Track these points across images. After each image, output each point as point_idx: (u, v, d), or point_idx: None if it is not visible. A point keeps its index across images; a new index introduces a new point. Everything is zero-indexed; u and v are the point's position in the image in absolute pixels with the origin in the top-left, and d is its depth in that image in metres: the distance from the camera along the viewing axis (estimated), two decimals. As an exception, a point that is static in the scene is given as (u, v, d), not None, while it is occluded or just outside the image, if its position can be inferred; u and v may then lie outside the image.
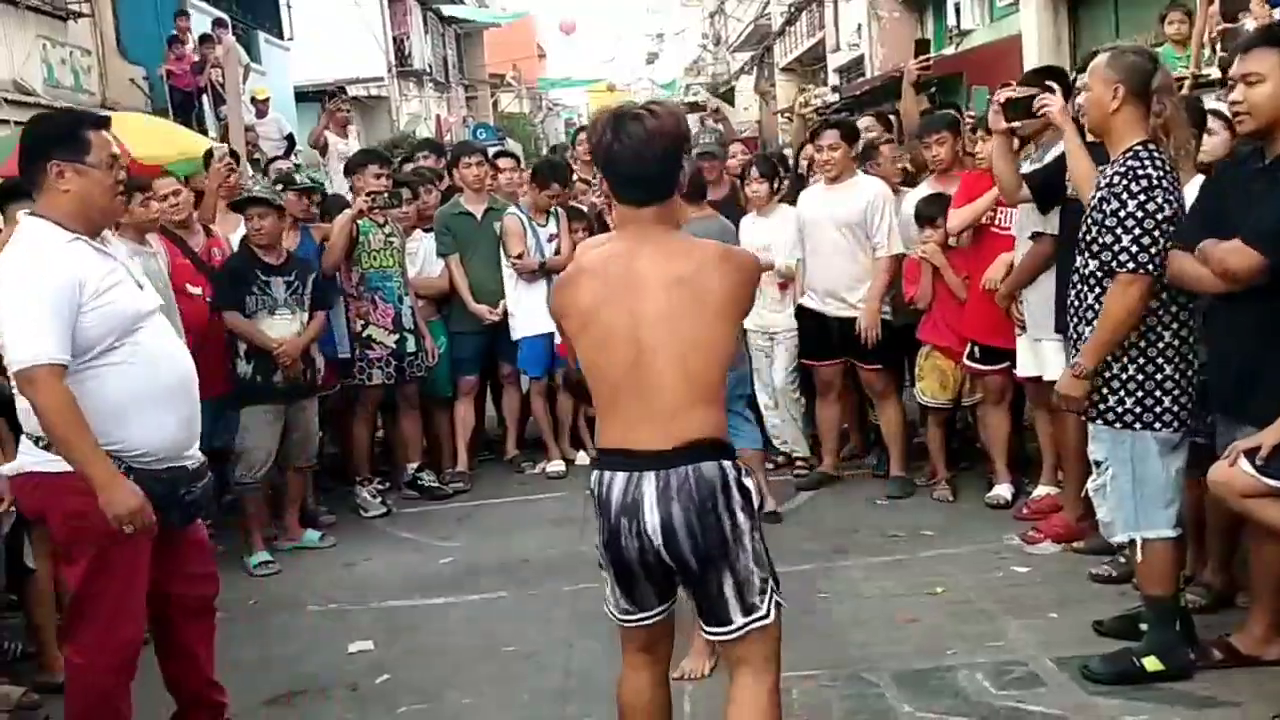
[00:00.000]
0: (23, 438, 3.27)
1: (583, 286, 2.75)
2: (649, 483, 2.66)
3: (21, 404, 3.18)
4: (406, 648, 4.49)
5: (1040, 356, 5.15)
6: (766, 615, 2.74)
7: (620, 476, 2.70)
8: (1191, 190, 3.87)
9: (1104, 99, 3.65)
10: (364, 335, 6.26)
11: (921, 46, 7.83)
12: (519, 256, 6.78)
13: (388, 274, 6.36)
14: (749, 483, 2.76)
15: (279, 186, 6.29)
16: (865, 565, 5.04)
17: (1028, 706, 3.63)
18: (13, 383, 3.15)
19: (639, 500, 2.67)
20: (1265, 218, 3.34)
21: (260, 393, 5.56)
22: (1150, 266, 3.53)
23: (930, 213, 5.76)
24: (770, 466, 6.66)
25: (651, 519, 2.66)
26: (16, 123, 10.76)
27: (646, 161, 2.69)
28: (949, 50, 16.29)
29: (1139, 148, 3.61)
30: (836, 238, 6.04)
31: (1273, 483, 3.22)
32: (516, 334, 6.84)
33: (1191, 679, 3.68)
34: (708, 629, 2.81)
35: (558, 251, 6.88)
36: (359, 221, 6.24)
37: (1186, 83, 6.89)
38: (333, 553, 5.78)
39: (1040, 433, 5.55)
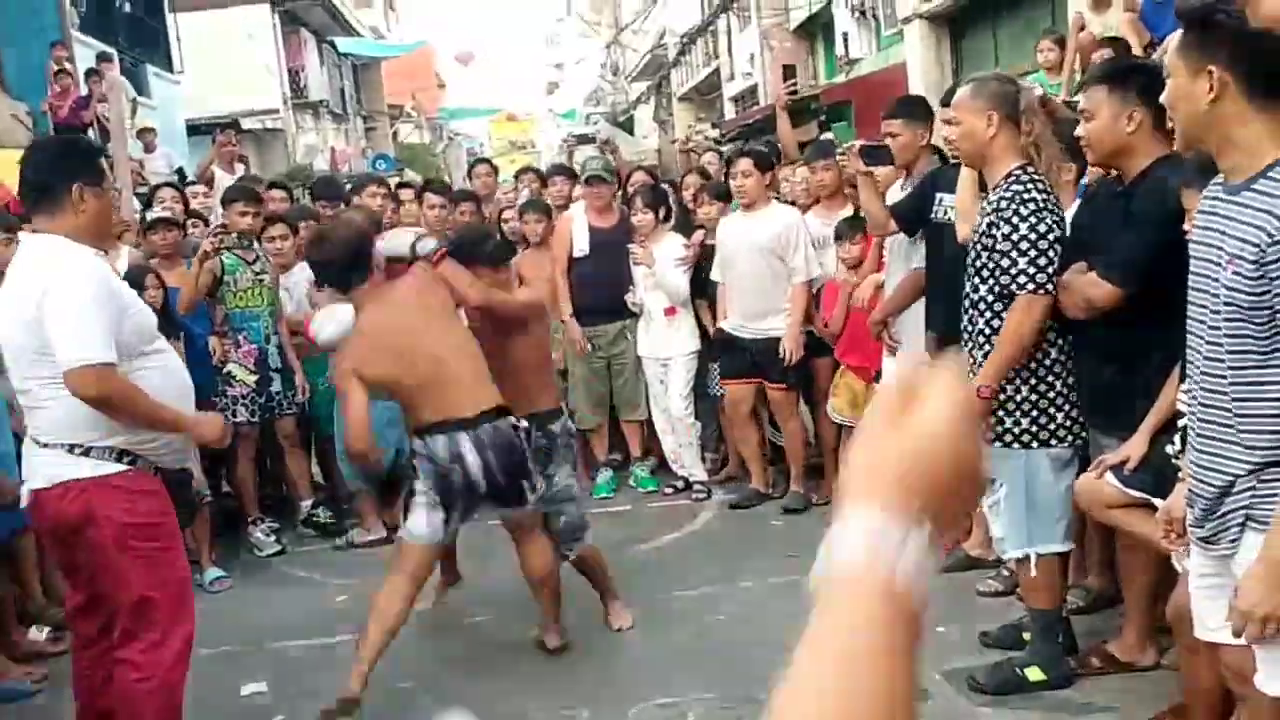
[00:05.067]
0: (44, 451, 3.26)
1: None
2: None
3: (48, 416, 3.23)
4: (300, 689, 4.41)
5: None
6: None
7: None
8: (1072, 212, 4.01)
9: (978, 128, 3.75)
10: (225, 372, 6.17)
11: (789, 72, 7.99)
12: None
13: (254, 313, 6.24)
14: None
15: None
16: (760, 586, 5.11)
17: (914, 720, 3.71)
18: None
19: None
20: (1118, 249, 3.48)
21: None
22: (1050, 286, 3.61)
23: (848, 231, 5.91)
24: (669, 492, 6.76)
25: None
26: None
27: None
28: (840, 78, 16.65)
29: (1019, 171, 3.71)
30: (753, 263, 6.14)
31: (1136, 494, 3.36)
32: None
33: (1071, 687, 3.81)
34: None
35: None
36: (225, 260, 6.15)
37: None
38: (226, 594, 5.68)
39: None
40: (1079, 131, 3.60)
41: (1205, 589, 2.64)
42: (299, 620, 5.17)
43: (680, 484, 6.73)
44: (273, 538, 6.31)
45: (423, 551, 4.15)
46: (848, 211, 5.99)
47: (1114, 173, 3.70)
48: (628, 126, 31.72)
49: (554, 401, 4.70)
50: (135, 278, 5.89)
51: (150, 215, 6.69)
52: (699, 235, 6.63)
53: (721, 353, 6.46)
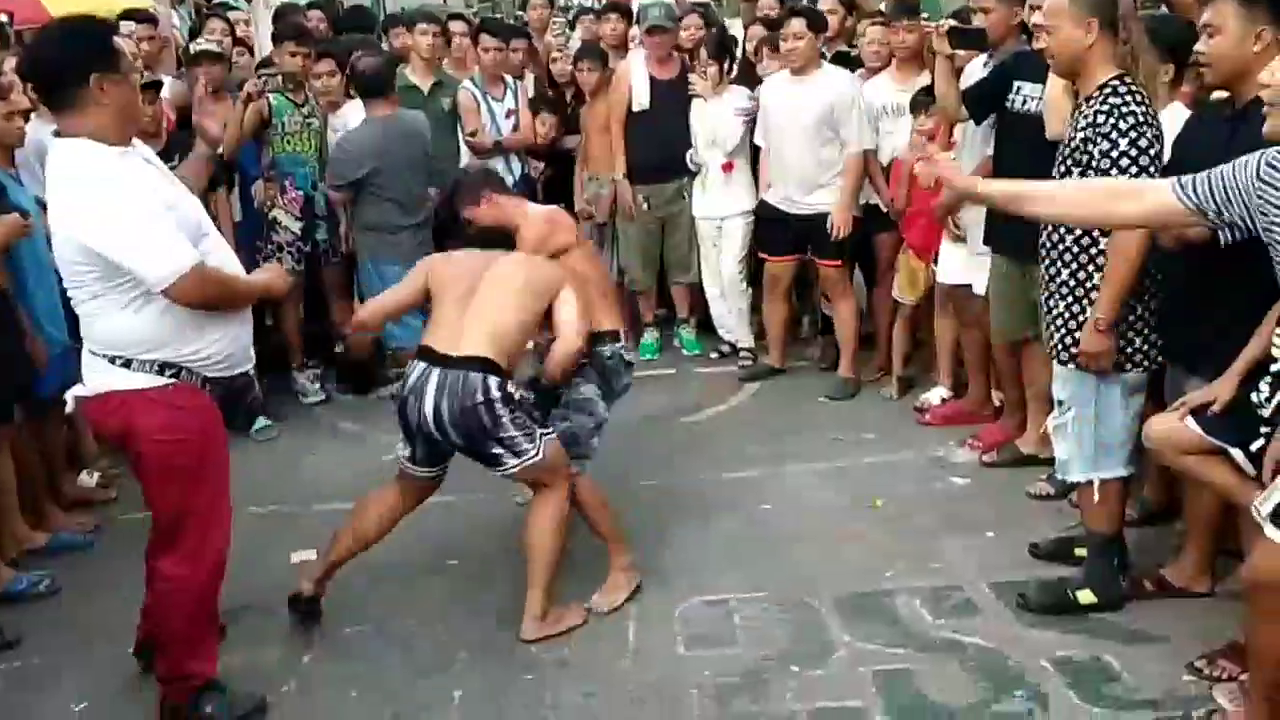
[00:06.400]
0: (91, 359, 3.20)
1: None
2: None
3: (92, 328, 3.16)
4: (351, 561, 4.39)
5: (973, 268, 5.18)
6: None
7: None
8: (1167, 117, 3.76)
9: (1076, 37, 3.53)
10: (270, 218, 6.06)
11: None
12: (473, 134, 6.52)
13: (301, 158, 6.06)
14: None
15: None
16: (807, 472, 5.09)
17: (963, 638, 3.72)
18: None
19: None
20: None
21: None
22: None
23: (924, 103, 5.49)
24: (714, 356, 6.68)
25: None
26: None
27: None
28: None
29: (1116, 83, 3.51)
30: (802, 133, 5.86)
31: (1218, 441, 3.24)
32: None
33: (1122, 610, 3.78)
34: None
35: (516, 128, 6.64)
36: (273, 102, 5.95)
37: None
38: (275, 446, 5.70)
39: (941, 339, 5.70)
40: (1199, 47, 3.35)
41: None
42: (346, 479, 5.07)
43: (726, 349, 6.65)
44: (318, 385, 6.31)
45: (404, 472, 3.98)
46: (925, 80, 5.57)
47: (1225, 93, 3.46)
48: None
49: (615, 322, 4.19)
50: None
51: (195, 47, 6.43)
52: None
53: (763, 226, 6.24)
